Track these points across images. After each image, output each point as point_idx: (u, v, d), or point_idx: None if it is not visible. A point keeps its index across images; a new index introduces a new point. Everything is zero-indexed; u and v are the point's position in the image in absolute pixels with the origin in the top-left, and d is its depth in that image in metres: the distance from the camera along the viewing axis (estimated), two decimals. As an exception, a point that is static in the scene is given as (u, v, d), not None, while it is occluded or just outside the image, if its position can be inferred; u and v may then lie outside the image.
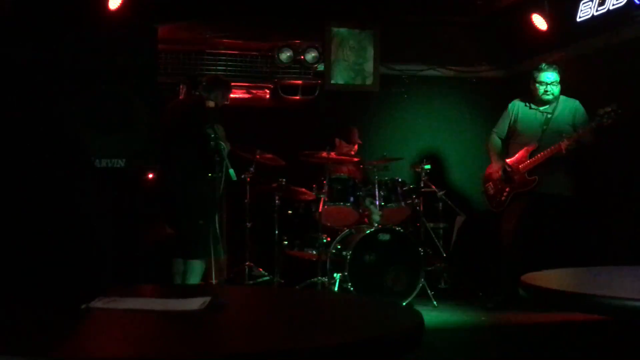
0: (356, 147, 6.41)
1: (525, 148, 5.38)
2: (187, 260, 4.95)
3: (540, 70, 5.40)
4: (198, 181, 4.97)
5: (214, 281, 4.90)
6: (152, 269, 5.13)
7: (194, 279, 4.91)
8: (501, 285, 5.39)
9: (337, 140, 6.40)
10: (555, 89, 5.36)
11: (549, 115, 5.39)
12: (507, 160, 5.48)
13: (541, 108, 5.43)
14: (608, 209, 5.72)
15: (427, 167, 6.27)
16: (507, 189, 5.44)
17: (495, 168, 5.57)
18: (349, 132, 6.43)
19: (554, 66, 5.41)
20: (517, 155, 5.44)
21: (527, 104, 5.52)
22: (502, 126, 5.65)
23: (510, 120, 5.59)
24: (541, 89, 5.37)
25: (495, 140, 5.69)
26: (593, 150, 5.28)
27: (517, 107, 5.58)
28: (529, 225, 5.34)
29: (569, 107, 5.40)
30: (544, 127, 5.36)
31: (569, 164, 5.34)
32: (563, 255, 5.06)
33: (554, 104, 5.40)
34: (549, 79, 5.35)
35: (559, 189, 5.31)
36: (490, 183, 5.59)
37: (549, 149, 5.21)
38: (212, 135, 4.74)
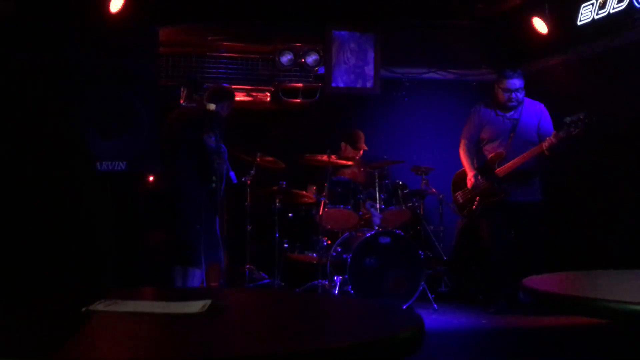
0: (361, 152, 6.41)
1: (493, 156, 5.31)
2: (186, 267, 4.94)
3: (505, 76, 5.30)
4: (196, 186, 4.97)
5: (211, 285, 4.90)
6: (153, 271, 5.13)
7: (194, 284, 4.91)
8: (501, 289, 5.38)
9: (342, 144, 6.40)
10: (520, 96, 5.30)
11: (515, 122, 5.33)
12: (476, 167, 5.43)
13: (507, 114, 5.38)
14: (579, 211, 5.77)
15: (428, 170, 6.28)
16: (477, 199, 5.38)
17: (468, 176, 5.46)
18: (356, 136, 6.41)
19: (519, 72, 5.34)
20: (485, 163, 5.38)
21: (493, 110, 5.43)
22: (473, 132, 5.54)
23: (477, 126, 5.49)
24: (506, 96, 5.29)
25: (467, 146, 5.56)
26: (564, 158, 5.24)
27: (483, 113, 5.48)
28: (503, 234, 5.33)
29: (534, 111, 5.33)
30: (511, 134, 5.31)
31: (537, 169, 5.31)
32: (555, 259, 5.09)
33: (519, 109, 5.35)
34: (514, 85, 5.27)
35: (529, 195, 5.28)
36: (460, 192, 5.55)
37: (522, 155, 5.13)
38: (213, 139, 4.75)
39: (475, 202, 5.37)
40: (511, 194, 5.23)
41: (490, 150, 5.36)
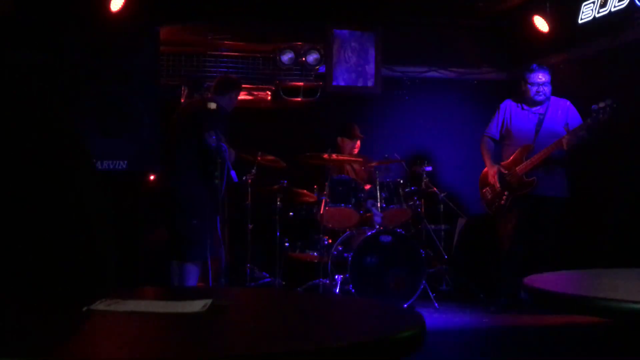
0: (359, 143, 6.40)
1: (520, 149, 5.34)
2: (182, 262, 4.94)
3: (531, 70, 5.37)
4: (196, 183, 4.97)
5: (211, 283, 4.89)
6: (153, 271, 5.13)
7: (191, 280, 4.90)
8: (503, 288, 5.38)
9: (339, 139, 6.40)
10: (547, 90, 5.34)
11: (542, 116, 5.37)
12: (502, 163, 5.46)
13: (533, 109, 5.41)
14: (605, 210, 5.74)
15: (429, 168, 6.27)
16: (505, 193, 5.40)
17: (490, 172, 5.53)
18: (349, 127, 6.42)
19: (545, 67, 5.39)
20: (512, 157, 5.40)
21: (519, 105, 5.48)
22: (495, 128, 5.62)
23: (503, 121, 5.55)
24: (532, 89, 5.34)
25: (489, 144, 5.64)
26: (589, 149, 5.25)
27: (509, 108, 5.54)
28: (527, 228, 5.33)
29: (560, 107, 5.37)
30: (538, 127, 5.35)
31: (565, 165, 5.32)
32: (562, 258, 5.07)
33: (545, 105, 5.39)
34: (540, 79, 5.32)
35: (556, 190, 5.29)
36: (488, 187, 5.56)
37: (547, 148, 5.17)
38: (214, 137, 4.75)
39: (504, 197, 5.38)
40: (539, 187, 5.24)
41: (516, 145, 5.38)
